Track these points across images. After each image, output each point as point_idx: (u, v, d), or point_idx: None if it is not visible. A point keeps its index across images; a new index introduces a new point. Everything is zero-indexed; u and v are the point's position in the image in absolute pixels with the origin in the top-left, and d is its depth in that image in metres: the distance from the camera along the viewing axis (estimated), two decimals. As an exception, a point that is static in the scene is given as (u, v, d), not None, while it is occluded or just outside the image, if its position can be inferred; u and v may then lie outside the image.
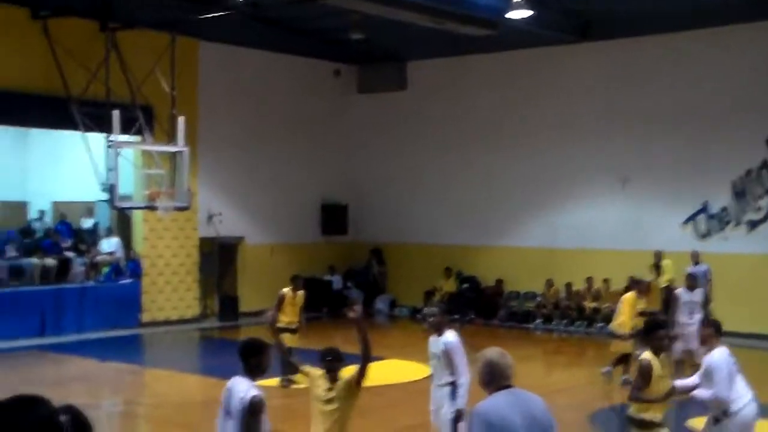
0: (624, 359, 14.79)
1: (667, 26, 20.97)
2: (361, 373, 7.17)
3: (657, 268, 20.35)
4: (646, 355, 7.70)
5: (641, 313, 14.59)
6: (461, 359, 8.86)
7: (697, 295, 14.76)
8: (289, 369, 14.05)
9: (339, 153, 26.07)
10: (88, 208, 23.21)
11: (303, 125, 25.12)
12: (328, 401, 7.20)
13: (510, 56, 23.60)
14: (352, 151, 26.28)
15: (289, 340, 13.94)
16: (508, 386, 5.46)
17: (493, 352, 5.63)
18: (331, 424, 7.17)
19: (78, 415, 2.85)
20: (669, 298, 20.51)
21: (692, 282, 14.98)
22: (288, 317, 14.36)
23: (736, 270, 19.48)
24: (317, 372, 7.35)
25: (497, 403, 5.35)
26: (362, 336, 7.24)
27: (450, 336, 8.94)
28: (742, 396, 8.09)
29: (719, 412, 7.97)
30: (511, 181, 23.63)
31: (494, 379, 5.45)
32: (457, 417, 8.79)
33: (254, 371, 6.70)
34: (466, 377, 8.83)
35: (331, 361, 7.24)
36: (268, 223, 24.27)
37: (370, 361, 7.22)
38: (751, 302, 19.65)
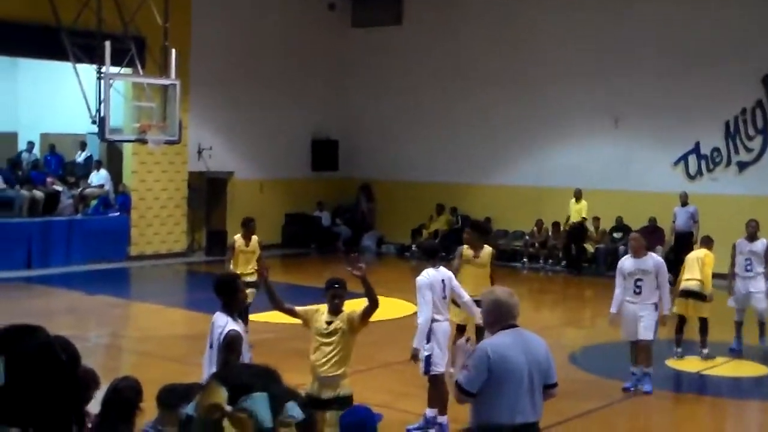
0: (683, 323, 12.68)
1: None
2: (367, 314, 7.29)
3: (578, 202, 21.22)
4: (462, 248, 10.57)
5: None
6: (421, 299, 8.98)
7: (759, 245, 13.00)
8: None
9: (331, 88, 25.84)
10: (81, 141, 23.05)
11: (296, 60, 24.85)
12: (329, 334, 7.29)
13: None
14: (344, 87, 26.05)
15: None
16: (513, 325, 5.50)
17: (501, 291, 5.66)
18: (333, 357, 7.26)
19: (67, 345, 2.95)
20: (575, 234, 21.28)
21: (752, 230, 13.11)
22: (242, 268, 12.30)
23: (725, 211, 19.45)
24: (314, 308, 7.46)
25: (504, 341, 5.41)
26: (367, 289, 7.32)
27: (423, 274, 9.03)
28: None
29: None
30: (504, 119, 23.49)
31: (501, 318, 5.49)
32: (413, 356, 8.96)
33: (230, 306, 6.79)
34: (423, 317, 8.96)
35: (338, 289, 7.30)
36: (259, 158, 24.16)
37: (375, 307, 7.31)
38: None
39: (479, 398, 5.37)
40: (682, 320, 12.48)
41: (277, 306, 7.67)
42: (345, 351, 7.29)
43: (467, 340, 5.70)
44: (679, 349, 12.43)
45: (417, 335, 8.94)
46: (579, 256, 21.73)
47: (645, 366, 10.74)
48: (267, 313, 13.74)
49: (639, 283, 10.49)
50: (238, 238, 12.97)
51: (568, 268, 21.72)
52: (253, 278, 11.95)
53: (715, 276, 12.56)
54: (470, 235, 10.68)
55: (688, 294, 12.35)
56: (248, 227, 12.93)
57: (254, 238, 12.90)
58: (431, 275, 9.04)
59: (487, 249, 10.46)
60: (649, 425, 10.82)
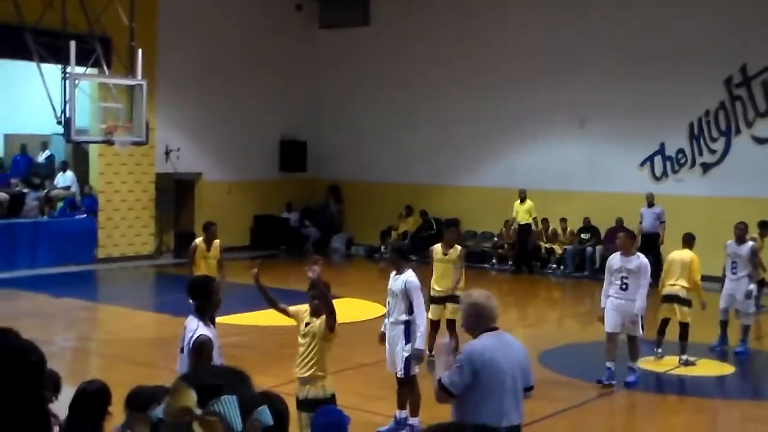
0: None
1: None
2: (329, 325, 7.23)
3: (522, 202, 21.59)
4: (437, 246, 11.82)
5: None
6: (419, 301, 8.93)
7: (745, 249, 13.22)
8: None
9: (299, 89, 25.79)
10: (42, 142, 22.81)
11: (263, 60, 24.77)
12: (304, 335, 7.33)
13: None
14: (312, 88, 26.01)
15: None
16: (494, 328, 5.51)
17: (478, 294, 5.63)
18: (305, 358, 7.29)
19: (35, 348, 2.91)
20: (524, 234, 21.61)
21: (740, 232, 13.32)
22: (202, 272, 11.47)
23: (689, 212, 19.66)
24: (303, 308, 7.46)
25: (490, 344, 5.42)
26: (320, 296, 7.26)
27: (411, 275, 8.99)
28: None
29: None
30: (473, 121, 23.55)
31: (481, 321, 5.49)
32: (417, 357, 8.91)
33: (203, 309, 6.73)
34: (422, 318, 8.96)
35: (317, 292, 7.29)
36: (227, 159, 24.06)
37: (333, 315, 7.25)
38: (702, 244, 19.80)
39: (465, 399, 5.37)
40: (665, 323, 12.40)
41: (272, 305, 7.70)
42: (317, 354, 7.26)
43: (452, 341, 5.74)
44: (660, 350, 12.43)
45: (420, 337, 8.86)
46: (534, 255, 22.09)
47: (631, 360, 11.20)
48: (234, 316, 13.76)
49: (625, 280, 10.96)
50: (199, 242, 12.56)
51: (518, 267, 22.00)
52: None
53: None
54: (454, 233, 12.07)
55: (673, 299, 12.26)
56: (209, 231, 12.57)
57: (216, 242, 12.56)
58: (416, 277, 9.07)
59: (457, 248, 11.63)
60: (621, 423, 10.90)
